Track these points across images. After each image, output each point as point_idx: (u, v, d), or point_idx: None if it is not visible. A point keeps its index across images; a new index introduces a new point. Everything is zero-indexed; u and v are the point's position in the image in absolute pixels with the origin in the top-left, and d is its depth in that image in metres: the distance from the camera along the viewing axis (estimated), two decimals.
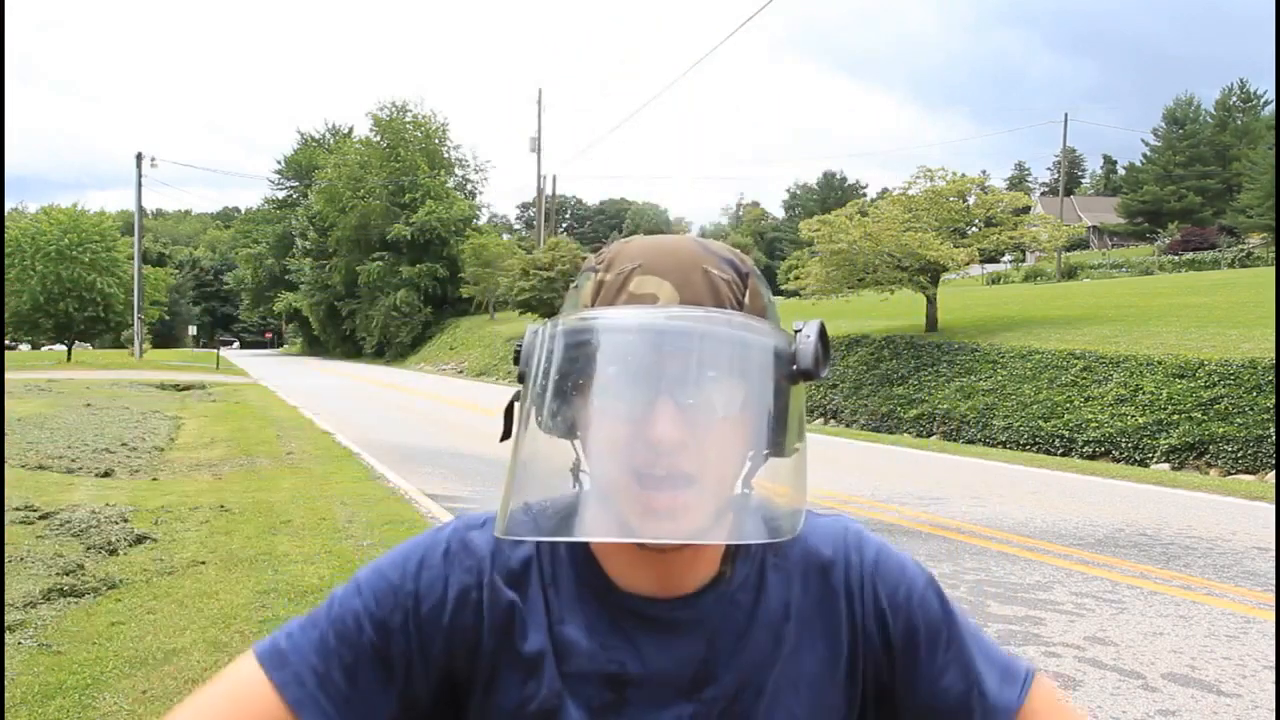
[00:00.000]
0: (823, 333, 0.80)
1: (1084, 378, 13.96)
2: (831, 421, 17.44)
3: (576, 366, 0.76)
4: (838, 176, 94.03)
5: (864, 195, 69.58)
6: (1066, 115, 48.63)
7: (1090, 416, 13.00)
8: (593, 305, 0.80)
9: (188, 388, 24.53)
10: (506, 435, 0.84)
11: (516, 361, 0.81)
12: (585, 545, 0.86)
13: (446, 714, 0.87)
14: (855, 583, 0.89)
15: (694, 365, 0.74)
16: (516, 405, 0.81)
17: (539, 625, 0.85)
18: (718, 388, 0.74)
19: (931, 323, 19.32)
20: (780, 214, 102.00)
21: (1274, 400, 11.24)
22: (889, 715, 0.89)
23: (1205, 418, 11.74)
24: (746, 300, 0.81)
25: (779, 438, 0.79)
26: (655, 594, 0.84)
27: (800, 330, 0.80)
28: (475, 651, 0.85)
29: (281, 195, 69.04)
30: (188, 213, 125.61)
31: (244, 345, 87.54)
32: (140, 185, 42.36)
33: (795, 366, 0.78)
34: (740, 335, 0.75)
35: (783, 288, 23.77)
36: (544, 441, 0.78)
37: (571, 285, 0.86)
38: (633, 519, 0.74)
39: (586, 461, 0.78)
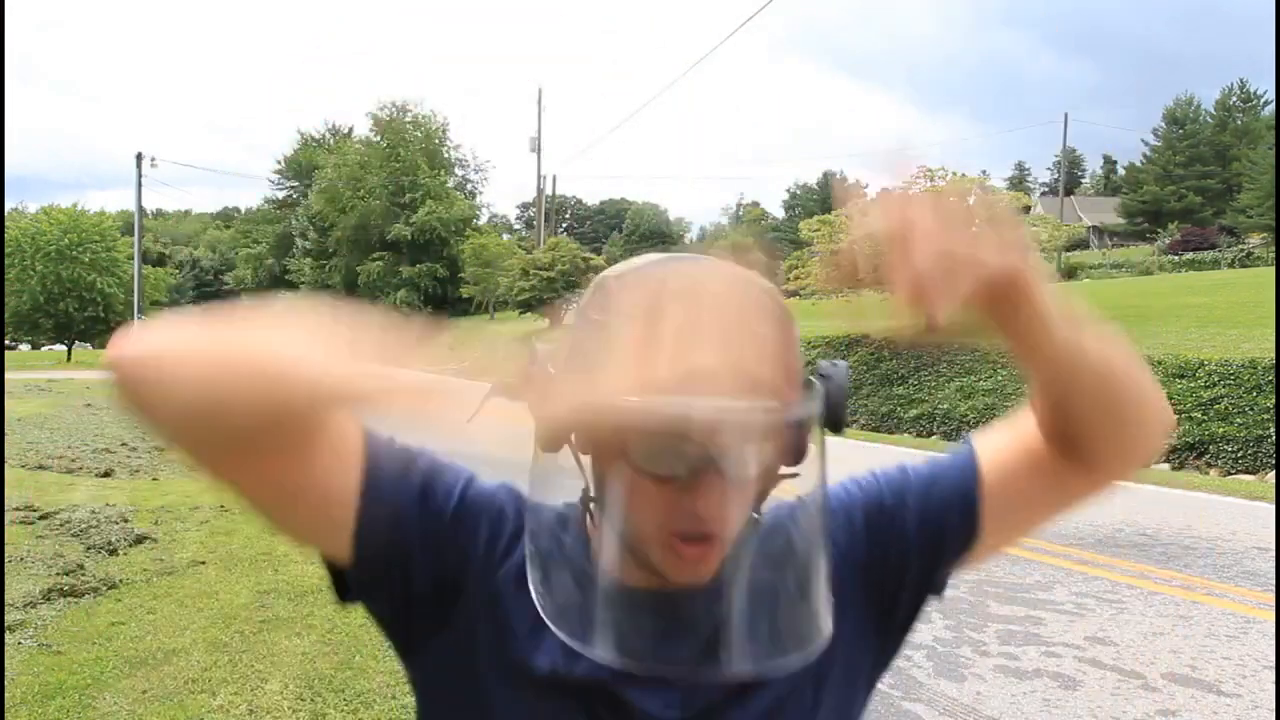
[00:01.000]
0: (846, 381, 0.80)
1: None
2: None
3: (635, 439, 0.75)
4: (838, 176, 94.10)
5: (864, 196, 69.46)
6: (1066, 115, 48.66)
7: None
8: (635, 366, 0.71)
9: None
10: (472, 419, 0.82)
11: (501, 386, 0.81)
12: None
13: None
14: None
15: (742, 448, 0.75)
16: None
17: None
18: (757, 460, 0.77)
19: None
20: (780, 214, 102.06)
21: (1274, 400, 11.24)
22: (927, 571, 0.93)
23: (1205, 418, 11.74)
24: (789, 355, 0.78)
25: (793, 463, 0.81)
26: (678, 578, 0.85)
27: (829, 378, 0.79)
28: (498, 567, 0.86)
29: (281, 195, 69.07)
30: (188, 213, 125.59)
31: None
32: (140, 185, 42.30)
33: (824, 426, 0.79)
34: (788, 419, 0.76)
35: (783, 288, 23.75)
36: (554, 463, 0.81)
37: (595, 314, 0.79)
38: (665, 564, 0.78)
39: (610, 514, 0.79)
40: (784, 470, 0.81)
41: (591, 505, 0.83)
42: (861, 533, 0.91)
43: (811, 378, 0.80)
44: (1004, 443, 0.97)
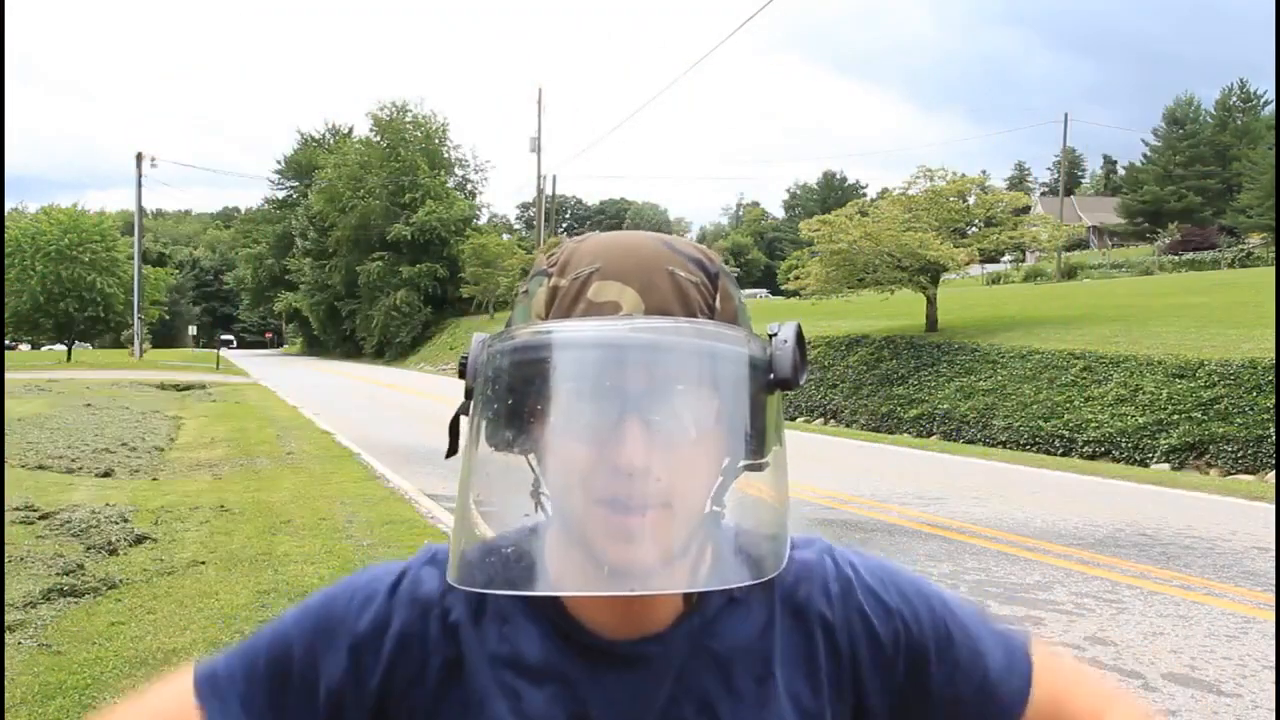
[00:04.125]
0: (799, 337, 0.74)
1: (1084, 378, 13.96)
2: (831, 421, 17.44)
3: (532, 386, 0.69)
4: (838, 176, 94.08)
5: (864, 195, 69.60)
6: (1066, 115, 48.70)
7: (1090, 416, 13.00)
8: (547, 315, 0.73)
9: (188, 388, 24.53)
10: (453, 451, 0.80)
11: (462, 375, 0.74)
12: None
13: None
14: (834, 607, 0.81)
15: (661, 381, 0.67)
16: (464, 420, 0.75)
17: (489, 665, 0.77)
18: (688, 403, 0.68)
19: (931, 323, 19.32)
20: (780, 214, 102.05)
21: (1274, 400, 11.24)
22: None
23: (1205, 418, 11.74)
24: (717, 304, 0.74)
25: (754, 451, 0.73)
26: (617, 628, 0.77)
27: (776, 334, 0.73)
28: (412, 692, 0.78)
29: (281, 195, 69.02)
30: (188, 213, 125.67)
31: (241, 345, 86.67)
32: (140, 185, 42.39)
33: (772, 375, 0.72)
34: (711, 346, 0.69)
35: (783, 288, 23.80)
36: (497, 466, 0.72)
37: (520, 290, 0.78)
38: (600, 545, 0.67)
39: (546, 486, 0.72)
40: (747, 461, 0.73)
41: (541, 498, 0.75)
42: (886, 659, 0.81)
43: (757, 333, 0.75)
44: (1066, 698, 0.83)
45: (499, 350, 0.71)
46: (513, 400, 0.71)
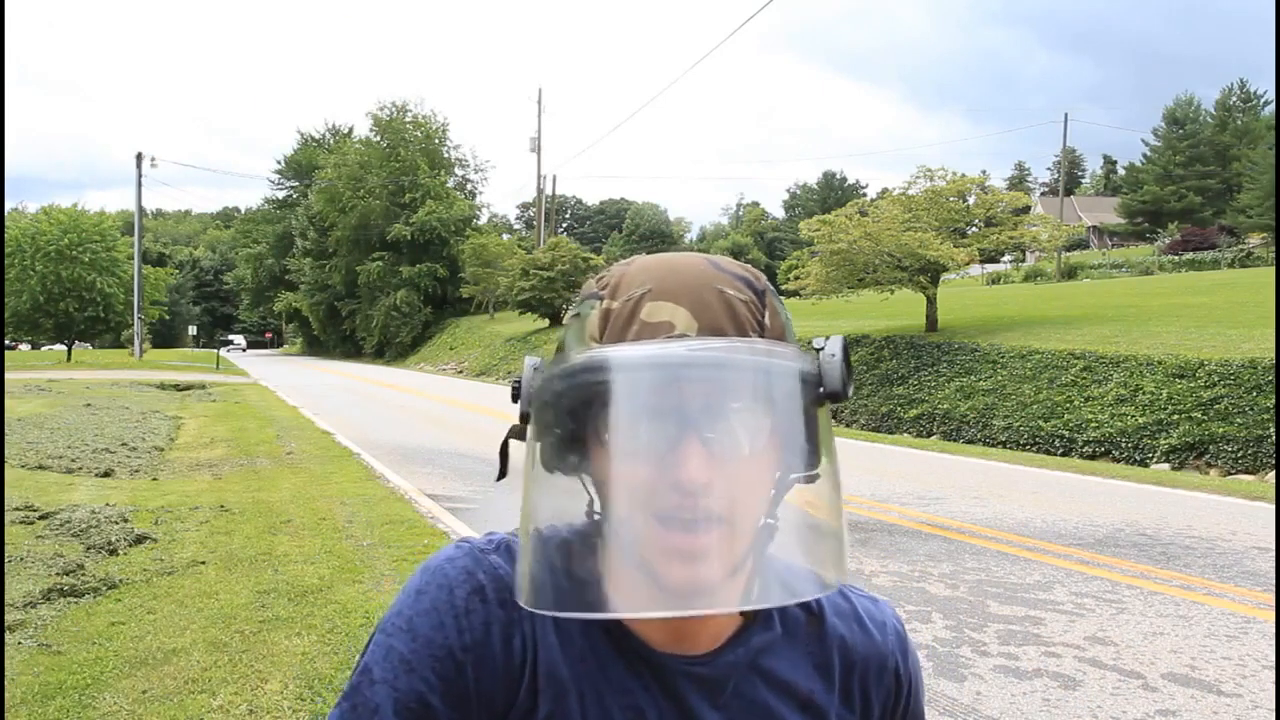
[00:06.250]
0: (846, 350, 0.75)
1: (1084, 378, 13.96)
2: (831, 421, 17.44)
3: (591, 409, 0.70)
4: (838, 176, 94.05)
5: (864, 195, 69.61)
6: (1066, 115, 48.69)
7: (1090, 416, 12.99)
8: (601, 337, 0.74)
9: (188, 388, 24.53)
10: (503, 474, 0.81)
11: (515, 399, 0.75)
12: None
13: None
14: (886, 697, 0.87)
15: (719, 399, 0.69)
16: (517, 443, 0.77)
17: (567, 668, 0.78)
18: (744, 420, 0.69)
19: (931, 323, 19.32)
20: (780, 214, 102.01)
21: (1274, 400, 11.24)
22: None
23: (1205, 418, 11.74)
24: (766, 320, 0.76)
25: (807, 464, 0.74)
26: (665, 643, 0.78)
27: (823, 349, 0.75)
28: (521, 686, 0.78)
29: (281, 195, 69.02)
30: (188, 213, 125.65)
31: (251, 346, 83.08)
32: (140, 185, 42.38)
33: (822, 389, 0.73)
34: (765, 362, 0.70)
35: (783, 288, 23.77)
36: (558, 488, 0.74)
37: (571, 314, 0.80)
38: (661, 564, 0.68)
39: (603, 506, 0.72)
40: (799, 474, 0.74)
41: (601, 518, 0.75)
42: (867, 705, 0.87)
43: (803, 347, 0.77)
44: None
45: (558, 374, 0.72)
46: (574, 423, 0.72)
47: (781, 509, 0.75)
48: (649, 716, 0.77)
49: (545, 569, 0.72)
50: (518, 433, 0.78)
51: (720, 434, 0.68)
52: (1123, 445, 12.23)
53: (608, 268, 0.80)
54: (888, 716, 0.88)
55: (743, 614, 0.81)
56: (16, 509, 7.27)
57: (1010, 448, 13.45)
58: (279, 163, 69.23)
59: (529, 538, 0.73)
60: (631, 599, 0.72)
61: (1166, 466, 11.47)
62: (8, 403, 15.76)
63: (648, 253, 0.83)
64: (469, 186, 58.97)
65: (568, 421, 0.72)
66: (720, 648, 0.79)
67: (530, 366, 0.75)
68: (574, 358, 0.71)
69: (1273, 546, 6.81)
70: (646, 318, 0.73)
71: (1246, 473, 10.86)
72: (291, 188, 67.49)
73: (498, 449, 0.83)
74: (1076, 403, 13.49)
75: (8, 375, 24.74)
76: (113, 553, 6.19)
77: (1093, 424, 12.82)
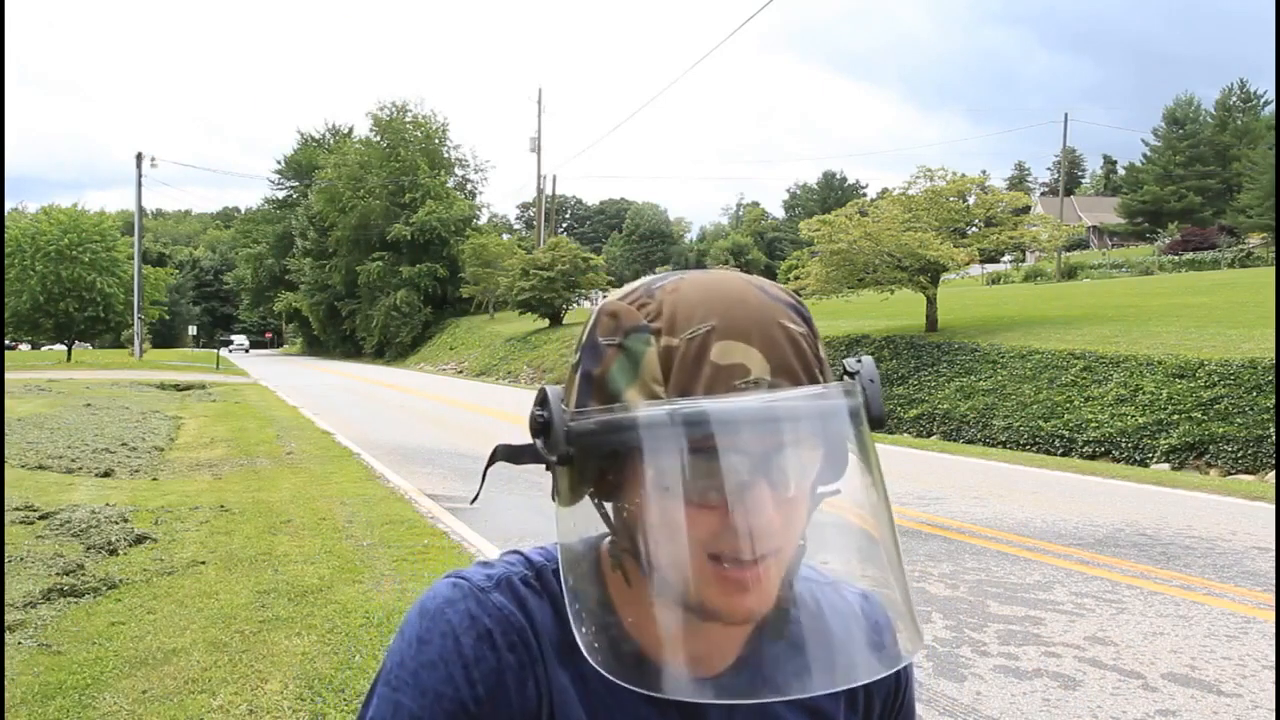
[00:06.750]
0: (875, 372, 0.75)
1: (1084, 378, 13.96)
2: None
3: (671, 457, 0.67)
4: (838, 176, 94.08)
5: (864, 195, 69.62)
6: (1066, 115, 48.72)
7: (1090, 416, 12.99)
8: (666, 379, 0.69)
9: (188, 388, 24.54)
10: (478, 496, 0.82)
11: (536, 434, 0.71)
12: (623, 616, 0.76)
13: None
14: (887, 695, 0.89)
15: (792, 446, 0.68)
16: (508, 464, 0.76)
17: (583, 708, 0.76)
18: (806, 460, 0.70)
19: (931, 323, 19.32)
20: (780, 214, 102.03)
21: (1274, 400, 11.24)
22: None
23: (1205, 418, 11.74)
24: (821, 353, 0.74)
25: (862, 485, 0.74)
26: (697, 671, 0.75)
27: (858, 372, 0.74)
28: None
29: (281, 195, 69.01)
30: (188, 213, 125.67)
31: (255, 346, 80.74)
32: (140, 185, 42.39)
33: (868, 416, 0.73)
34: (830, 406, 0.70)
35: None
36: (600, 529, 0.74)
37: (607, 342, 0.72)
38: (713, 598, 0.68)
39: (653, 549, 0.70)
40: (823, 488, 0.74)
41: (621, 553, 0.74)
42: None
43: (845, 374, 0.76)
44: None
45: (627, 420, 0.68)
46: (635, 468, 0.69)
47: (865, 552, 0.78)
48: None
49: (604, 633, 0.72)
50: (510, 455, 0.76)
51: (787, 477, 0.68)
52: (1123, 445, 12.23)
53: (647, 292, 0.74)
54: (888, 714, 0.89)
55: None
56: (16, 509, 7.27)
57: (1010, 448, 13.45)
58: (279, 163, 69.27)
59: (579, 589, 0.73)
60: (692, 677, 0.71)
61: (1166, 466, 11.47)
62: (8, 403, 15.76)
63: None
64: (469, 186, 58.98)
65: (629, 466, 0.69)
66: (733, 664, 0.78)
67: (556, 398, 0.71)
68: (647, 404, 0.68)
69: (1273, 546, 6.81)
70: (718, 359, 0.68)
71: (1246, 473, 10.86)
72: (291, 188, 67.48)
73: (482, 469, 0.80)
74: (1076, 403, 13.49)
75: (8, 375, 24.75)
76: (113, 553, 6.19)
77: (1093, 424, 12.82)
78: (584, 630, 0.71)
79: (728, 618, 0.69)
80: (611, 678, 0.69)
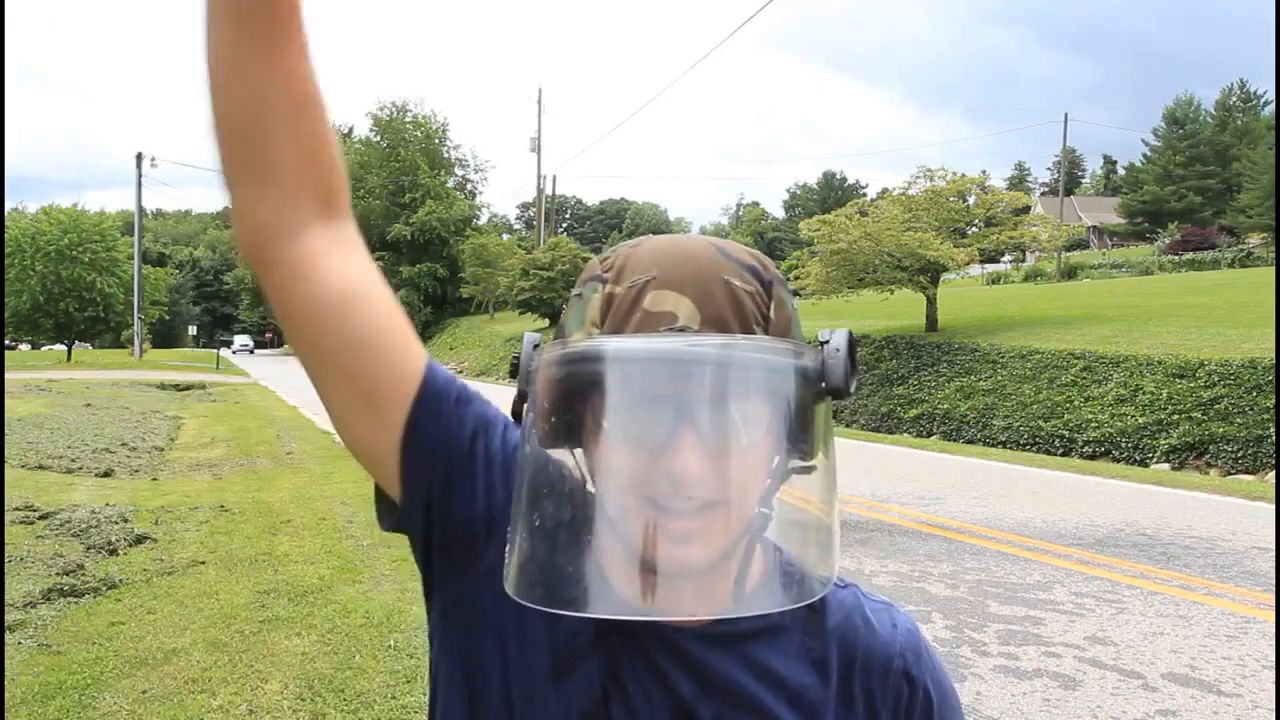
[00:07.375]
0: (851, 345, 0.73)
1: (1084, 378, 13.96)
2: (831, 421, 17.45)
3: (587, 396, 0.70)
4: (838, 176, 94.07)
5: (864, 195, 69.61)
6: (1066, 115, 48.76)
7: (1090, 416, 13.00)
8: (603, 322, 0.73)
9: (188, 388, 24.53)
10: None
11: (513, 375, 0.75)
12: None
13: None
14: (896, 701, 0.82)
15: (714, 394, 0.68)
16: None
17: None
18: (738, 414, 0.69)
19: (931, 323, 19.32)
20: (780, 214, 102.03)
21: (1274, 400, 11.24)
22: None
23: (1205, 418, 11.74)
24: (771, 313, 0.74)
25: (801, 456, 0.74)
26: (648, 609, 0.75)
27: (828, 342, 0.73)
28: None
29: None
30: (188, 213, 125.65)
31: (260, 346, 78.17)
32: (140, 185, 42.36)
33: (824, 384, 0.72)
34: (762, 359, 0.69)
35: None
36: (551, 470, 0.73)
37: (574, 293, 0.79)
38: (649, 548, 0.68)
39: (598, 490, 0.72)
40: (795, 464, 0.73)
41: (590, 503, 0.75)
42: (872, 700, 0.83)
43: (820, 344, 0.75)
44: None
45: (557, 357, 0.71)
46: (567, 408, 0.72)
47: (775, 499, 0.74)
48: (624, 673, 0.76)
49: (535, 560, 0.71)
50: (519, 410, 0.76)
51: (715, 427, 0.68)
52: (1123, 445, 12.23)
53: (614, 248, 0.79)
54: None
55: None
56: (16, 509, 7.27)
57: (1010, 448, 13.45)
58: None
59: (521, 521, 0.72)
60: (618, 595, 0.71)
61: (1166, 466, 11.48)
62: (8, 403, 15.77)
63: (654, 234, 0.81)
64: (469, 186, 59.06)
65: (565, 404, 0.72)
66: (702, 628, 0.77)
67: (530, 344, 0.75)
68: (574, 343, 0.71)
69: (1273, 546, 6.82)
70: (649, 307, 0.72)
71: (1246, 473, 10.86)
72: None
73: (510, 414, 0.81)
74: (1076, 403, 13.49)
75: (8, 375, 24.76)
76: (113, 553, 6.19)
77: (1093, 424, 12.82)
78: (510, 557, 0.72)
79: (658, 564, 0.68)
80: (520, 599, 0.69)
